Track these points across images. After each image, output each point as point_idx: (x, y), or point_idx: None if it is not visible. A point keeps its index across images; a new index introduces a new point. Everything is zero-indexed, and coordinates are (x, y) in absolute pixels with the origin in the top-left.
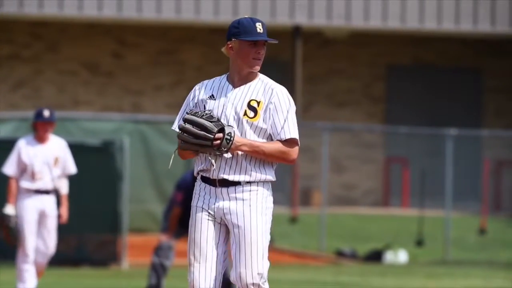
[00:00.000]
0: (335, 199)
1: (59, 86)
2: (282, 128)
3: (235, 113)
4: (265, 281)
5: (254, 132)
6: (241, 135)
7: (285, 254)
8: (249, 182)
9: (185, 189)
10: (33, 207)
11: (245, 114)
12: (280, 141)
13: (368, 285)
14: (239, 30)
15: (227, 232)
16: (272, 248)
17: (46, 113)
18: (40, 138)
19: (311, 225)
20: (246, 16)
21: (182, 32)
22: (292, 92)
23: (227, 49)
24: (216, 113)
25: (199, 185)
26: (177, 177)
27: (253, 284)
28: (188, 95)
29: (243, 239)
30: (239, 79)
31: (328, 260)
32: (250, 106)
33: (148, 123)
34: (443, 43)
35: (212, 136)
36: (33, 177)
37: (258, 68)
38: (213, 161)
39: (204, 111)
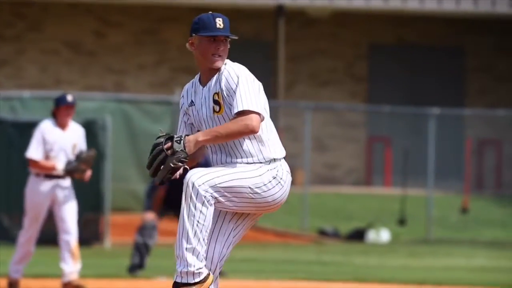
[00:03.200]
0: (318, 178)
1: (41, 65)
2: (235, 105)
3: (207, 113)
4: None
5: (224, 121)
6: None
7: (268, 233)
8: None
9: None
10: (45, 192)
11: (214, 110)
12: (236, 116)
13: (350, 263)
14: (198, 26)
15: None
16: (254, 228)
17: (70, 97)
18: (61, 124)
19: (294, 205)
20: (210, 12)
21: (165, 12)
22: (275, 71)
23: (189, 46)
24: (198, 119)
25: None
26: None
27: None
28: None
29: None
30: (205, 77)
31: (311, 239)
32: (214, 101)
33: (130, 102)
34: (426, 22)
35: (161, 147)
36: (46, 161)
37: (219, 64)
38: (180, 170)
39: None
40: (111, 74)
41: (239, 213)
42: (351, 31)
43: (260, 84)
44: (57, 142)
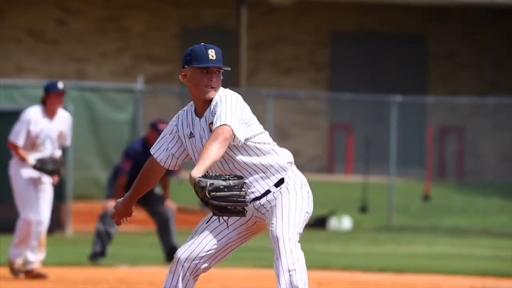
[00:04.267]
0: None
1: (3, 53)
2: (214, 122)
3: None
4: None
5: (234, 152)
6: (223, 160)
7: None
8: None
9: (134, 158)
10: (28, 177)
11: None
12: (207, 141)
13: (312, 251)
14: (191, 57)
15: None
16: None
17: (60, 85)
18: (51, 112)
19: None
20: (202, 44)
21: None
22: (237, 59)
23: (182, 78)
24: (198, 151)
25: None
26: (122, 144)
27: None
28: (166, 129)
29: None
30: (200, 108)
31: None
32: (211, 131)
33: (92, 90)
34: (388, 9)
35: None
36: (32, 147)
37: (211, 95)
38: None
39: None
40: (73, 62)
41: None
42: (313, 18)
43: (246, 105)
44: (44, 130)
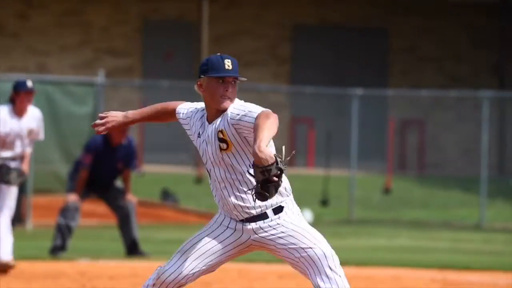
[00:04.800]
0: None
1: None
2: (252, 116)
3: (213, 152)
4: None
5: (237, 161)
6: (226, 169)
7: (190, 214)
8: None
9: (94, 151)
10: None
11: (221, 148)
12: (258, 122)
13: None
14: (207, 67)
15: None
16: (177, 208)
17: (29, 83)
18: (19, 110)
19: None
20: (218, 54)
21: None
22: (198, 52)
23: (197, 87)
24: (204, 154)
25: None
26: (83, 138)
27: None
28: (184, 108)
29: None
30: (211, 116)
31: None
32: (220, 139)
33: (53, 83)
34: (349, 3)
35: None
36: (2, 146)
37: (226, 105)
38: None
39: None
40: (34, 56)
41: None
42: (274, 12)
43: None
44: (14, 129)
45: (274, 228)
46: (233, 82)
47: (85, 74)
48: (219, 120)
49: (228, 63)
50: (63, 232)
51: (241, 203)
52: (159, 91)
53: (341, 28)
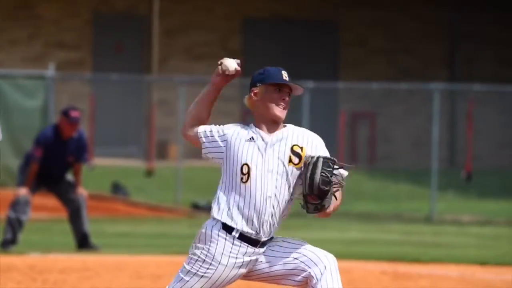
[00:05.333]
0: (192, 152)
1: None
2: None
3: (274, 160)
4: None
5: (295, 179)
6: (285, 182)
7: (141, 208)
8: None
9: (45, 145)
10: None
11: (290, 161)
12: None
13: None
14: (264, 75)
15: None
16: (128, 202)
17: None
18: None
19: (167, 178)
20: (275, 67)
21: None
22: (149, 46)
23: (250, 99)
24: (249, 157)
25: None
26: (34, 131)
27: None
28: (213, 129)
29: None
30: (268, 127)
31: (184, 213)
32: (294, 152)
33: (3, 77)
34: None
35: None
36: None
37: (282, 115)
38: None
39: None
40: None
41: None
42: (225, 5)
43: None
44: None
45: (266, 250)
46: (289, 94)
47: (35, 68)
48: (286, 133)
49: (285, 75)
50: (14, 226)
51: (272, 221)
52: (109, 84)
53: (291, 22)
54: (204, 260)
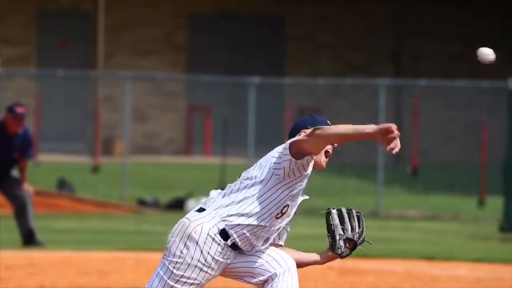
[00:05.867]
0: (138, 148)
1: None
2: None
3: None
4: None
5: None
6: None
7: (87, 204)
8: None
9: None
10: None
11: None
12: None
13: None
14: (315, 121)
15: None
16: (73, 198)
17: None
18: None
19: (113, 174)
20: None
21: None
22: (94, 41)
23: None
24: (301, 192)
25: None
26: None
27: None
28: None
29: None
30: None
31: (130, 209)
32: None
33: None
34: None
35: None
36: None
37: (325, 167)
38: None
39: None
40: None
41: None
42: (170, 1)
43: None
44: None
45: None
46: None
47: None
48: None
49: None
50: None
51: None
52: (55, 81)
53: (237, 17)
54: (196, 265)
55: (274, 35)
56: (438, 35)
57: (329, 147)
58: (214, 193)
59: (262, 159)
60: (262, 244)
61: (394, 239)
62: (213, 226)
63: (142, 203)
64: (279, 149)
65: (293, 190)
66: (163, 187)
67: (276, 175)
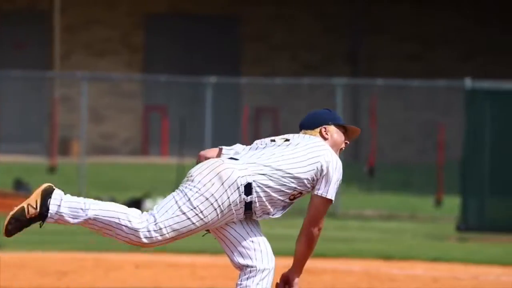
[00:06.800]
0: (95, 149)
1: None
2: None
3: None
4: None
5: None
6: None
7: None
8: None
9: None
10: None
11: None
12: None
13: None
14: (334, 116)
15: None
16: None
17: None
18: None
19: (70, 175)
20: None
21: None
22: (50, 41)
23: (320, 133)
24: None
25: None
26: None
27: None
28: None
29: None
30: None
31: None
32: None
33: None
34: None
35: None
36: None
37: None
38: None
39: None
40: None
41: None
42: (126, 0)
43: None
44: None
45: None
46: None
47: None
48: None
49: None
50: None
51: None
52: (11, 81)
53: (194, 17)
54: (212, 203)
55: (230, 35)
56: (395, 34)
57: (344, 146)
58: (240, 147)
59: (309, 146)
60: (274, 214)
61: (351, 238)
62: (243, 176)
63: None
64: (325, 166)
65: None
66: (120, 188)
67: (310, 174)
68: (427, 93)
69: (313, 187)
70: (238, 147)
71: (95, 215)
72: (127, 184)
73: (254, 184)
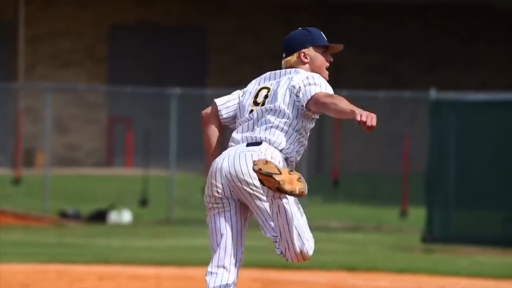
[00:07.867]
0: (59, 160)
1: None
2: None
3: None
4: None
5: None
6: None
7: (8, 216)
8: None
9: None
10: None
11: None
12: None
13: (92, 245)
14: (312, 37)
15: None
16: None
17: None
18: None
19: (35, 186)
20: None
21: None
22: (15, 53)
23: (299, 58)
24: None
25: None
26: None
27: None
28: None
29: None
30: None
31: (52, 222)
32: None
33: None
34: (167, 2)
35: None
36: None
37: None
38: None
39: None
40: None
41: None
42: (92, 11)
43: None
44: None
45: None
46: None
47: None
48: None
49: (323, 35)
50: None
51: None
52: None
53: (159, 28)
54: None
55: (196, 46)
56: (361, 46)
57: (327, 65)
58: (231, 102)
59: (279, 89)
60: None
61: (316, 250)
62: (279, 154)
63: (63, 215)
64: (297, 84)
65: (312, 122)
66: (85, 199)
67: (300, 110)
68: (392, 104)
69: (305, 106)
70: (230, 101)
71: None
72: (92, 195)
73: (288, 156)
